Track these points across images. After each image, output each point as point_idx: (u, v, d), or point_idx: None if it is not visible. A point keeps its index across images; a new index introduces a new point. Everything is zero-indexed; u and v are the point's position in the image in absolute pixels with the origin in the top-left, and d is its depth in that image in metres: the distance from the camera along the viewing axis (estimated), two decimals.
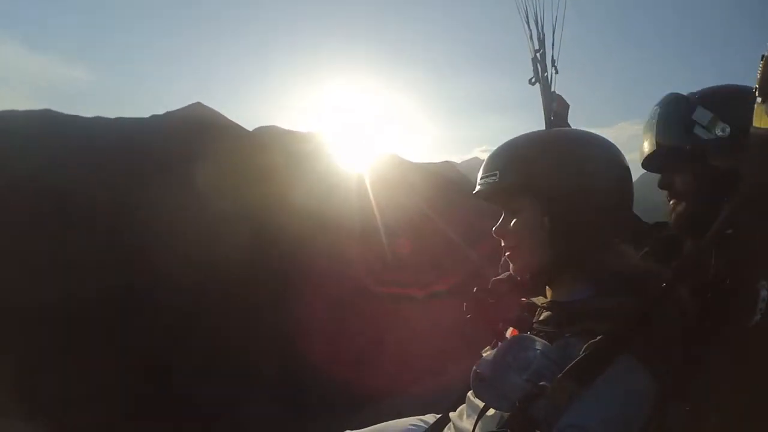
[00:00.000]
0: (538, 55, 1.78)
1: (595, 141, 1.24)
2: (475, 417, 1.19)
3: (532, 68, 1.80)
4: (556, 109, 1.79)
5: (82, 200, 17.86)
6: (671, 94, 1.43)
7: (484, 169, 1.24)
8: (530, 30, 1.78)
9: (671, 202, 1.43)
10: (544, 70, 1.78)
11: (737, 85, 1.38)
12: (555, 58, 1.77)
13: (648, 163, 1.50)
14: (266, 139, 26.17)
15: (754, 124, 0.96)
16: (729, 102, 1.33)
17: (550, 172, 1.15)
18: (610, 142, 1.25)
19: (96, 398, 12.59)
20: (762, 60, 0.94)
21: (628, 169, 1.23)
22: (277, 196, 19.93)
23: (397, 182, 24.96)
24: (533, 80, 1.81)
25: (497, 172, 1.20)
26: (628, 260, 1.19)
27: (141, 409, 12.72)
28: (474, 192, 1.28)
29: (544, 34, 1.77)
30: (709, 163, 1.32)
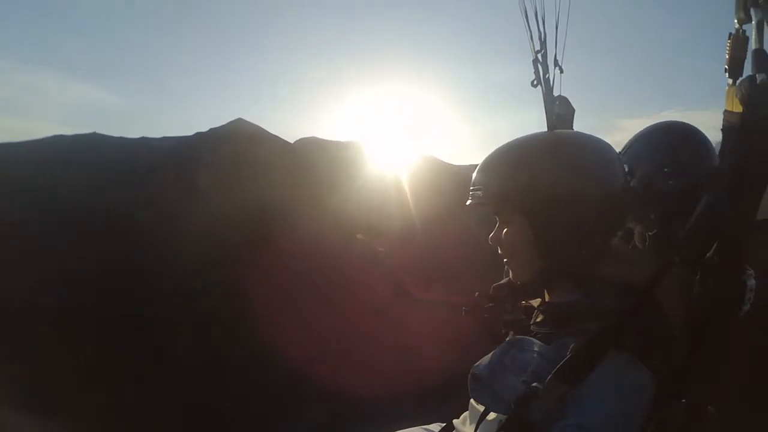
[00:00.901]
0: (539, 56, 1.80)
1: (588, 146, 1.31)
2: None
3: (533, 70, 1.79)
4: (559, 111, 1.79)
5: (124, 220, 18.48)
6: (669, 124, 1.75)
7: (473, 182, 1.39)
8: (530, 29, 1.80)
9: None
10: (546, 71, 1.80)
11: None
12: (558, 58, 1.78)
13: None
14: (308, 149, 26.71)
15: (726, 108, 1.02)
16: None
17: (533, 186, 1.26)
18: (605, 144, 1.33)
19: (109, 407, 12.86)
20: (729, 38, 1.00)
21: (623, 174, 1.29)
22: (320, 205, 20.15)
23: (435, 185, 25.25)
24: (534, 83, 1.83)
25: (481, 186, 1.36)
26: (622, 267, 1.26)
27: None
28: (465, 204, 1.39)
29: (546, 33, 1.77)
30: None
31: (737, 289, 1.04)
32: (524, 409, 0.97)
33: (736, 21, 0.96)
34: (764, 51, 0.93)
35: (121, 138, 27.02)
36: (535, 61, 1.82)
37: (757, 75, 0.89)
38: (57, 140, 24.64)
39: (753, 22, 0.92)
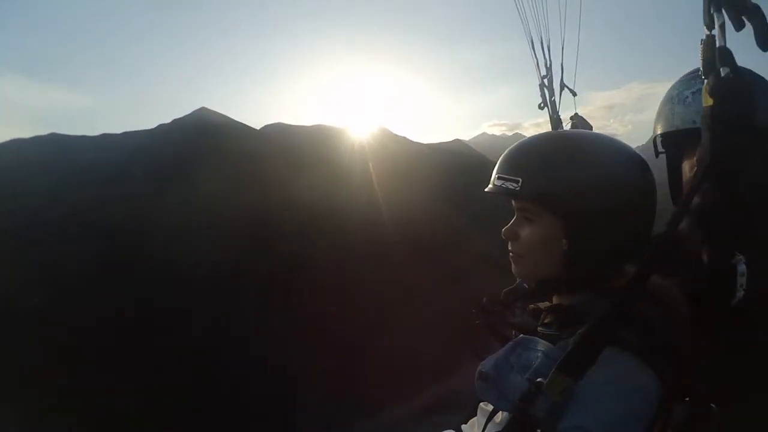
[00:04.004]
0: (545, 81, 1.80)
1: (627, 155, 1.12)
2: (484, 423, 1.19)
3: (539, 94, 1.81)
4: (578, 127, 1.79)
5: (96, 215, 18.09)
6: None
7: (502, 170, 1.13)
8: (537, 57, 1.80)
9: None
10: (552, 94, 1.79)
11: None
12: (565, 82, 1.80)
13: (668, 139, 1.45)
14: (274, 135, 26.28)
15: (703, 104, 0.97)
16: None
17: (579, 191, 1.05)
18: (637, 154, 1.15)
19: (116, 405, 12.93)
20: (701, 44, 0.98)
21: (655, 185, 1.14)
22: (287, 189, 20.01)
23: (408, 164, 24.93)
24: (541, 105, 1.81)
25: (520, 179, 1.09)
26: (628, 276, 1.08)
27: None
28: (486, 190, 1.19)
29: (551, 61, 1.78)
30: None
31: (727, 275, 0.93)
32: (529, 406, 0.89)
33: (705, 27, 1.00)
34: (727, 48, 0.97)
35: (82, 136, 26.23)
36: (542, 86, 1.80)
37: (721, 69, 0.92)
38: (16, 144, 23.78)
39: (716, 25, 0.97)
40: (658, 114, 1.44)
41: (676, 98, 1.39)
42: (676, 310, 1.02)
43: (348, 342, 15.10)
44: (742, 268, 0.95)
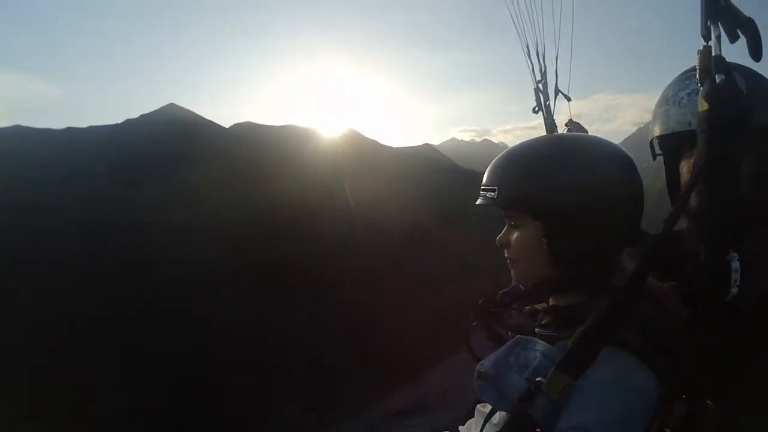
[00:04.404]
0: (540, 85, 1.80)
1: (609, 153, 1.16)
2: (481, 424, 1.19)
3: (534, 98, 1.83)
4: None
5: (56, 213, 17.49)
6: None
7: (484, 182, 1.19)
8: (532, 63, 1.80)
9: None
10: (546, 99, 1.81)
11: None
12: (559, 87, 1.80)
13: (665, 141, 1.44)
14: (243, 134, 25.99)
15: (699, 109, 1.01)
16: (762, 81, 1.30)
17: (551, 191, 1.09)
18: (622, 150, 1.18)
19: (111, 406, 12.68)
20: (698, 53, 1.03)
21: (640, 182, 1.15)
22: (258, 189, 19.86)
23: (377, 167, 25.05)
24: (536, 109, 1.83)
25: (496, 187, 1.15)
26: (623, 273, 1.10)
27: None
28: (475, 203, 1.24)
29: (546, 66, 1.79)
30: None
31: (721, 272, 0.95)
32: (528, 406, 0.89)
33: (702, 39, 1.02)
34: (722, 57, 1.00)
35: (46, 129, 25.27)
36: (537, 90, 1.80)
37: (716, 75, 0.96)
38: None
39: (713, 36, 1.00)
40: (654, 116, 1.44)
41: (671, 99, 1.39)
42: (674, 310, 1.04)
43: (318, 348, 15.13)
44: (735, 265, 0.97)
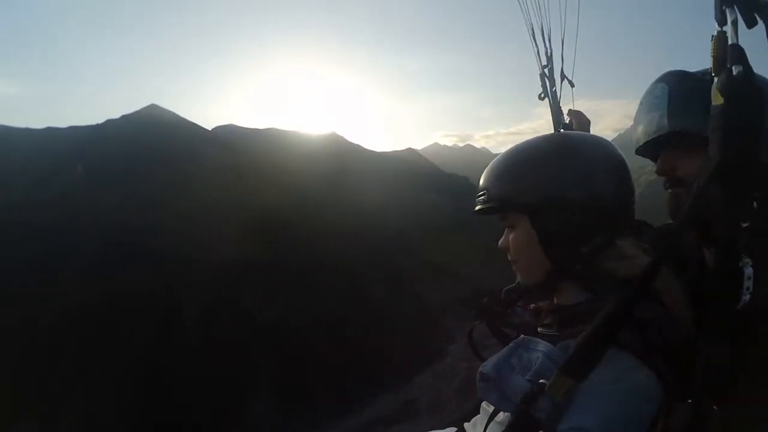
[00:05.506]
0: (546, 70, 1.76)
1: (587, 146, 1.19)
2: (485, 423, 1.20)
3: (540, 84, 1.77)
4: (575, 127, 1.75)
5: (31, 215, 17.24)
6: (678, 71, 1.33)
7: (479, 188, 1.23)
8: (537, 46, 1.75)
9: (671, 191, 1.34)
10: (552, 85, 1.76)
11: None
12: (565, 72, 1.75)
13: (646, 147, 1.39)
14: (225, 137, 25.88)
15: (713, 103, 0.96)
16: None
17: (532, 186, 1.13)
18: (608, 144, 1.20)
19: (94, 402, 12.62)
20: (712, 40, 0.97)
21: (626, 168, 1.18)
22: (240, 192, 19.79)
23: (360, 171, 25.08)
24: (542, 95, 1.79)
25: (485, 191, 1.19)
26: (626, 261, 1.11)
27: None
28: (474, 210, 1.25)
29: (552, 50, 1.75)
30: None
31: (734, 278, 0.93)
32: (531, 407, 0.90)
33: (717, 24, 0.95)
34: (739, 45, 0.94)
35: (25, 129, 24.87)
36: (542, 75, 1.76)
37: (733, 67, 0.90)
38: None
39: (728, 21, 0.93)
40: (636, 122, 1.40)
41: (644, 106, 1.37)
42: (676, 310, 1.03)
43: (295, 350, 15.10)
44: (749, 271, 0.95)
